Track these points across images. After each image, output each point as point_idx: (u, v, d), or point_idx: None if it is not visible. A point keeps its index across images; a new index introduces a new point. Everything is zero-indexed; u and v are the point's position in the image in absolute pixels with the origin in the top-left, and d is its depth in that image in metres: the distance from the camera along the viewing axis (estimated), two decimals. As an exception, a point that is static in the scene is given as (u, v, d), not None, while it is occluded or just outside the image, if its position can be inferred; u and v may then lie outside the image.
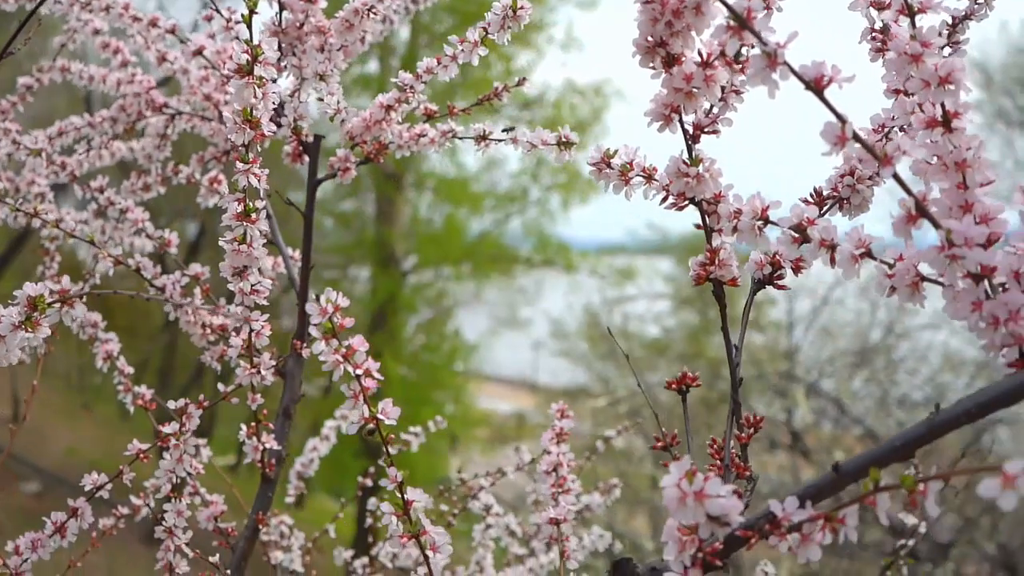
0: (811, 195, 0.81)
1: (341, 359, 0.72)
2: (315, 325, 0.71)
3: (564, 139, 0.99)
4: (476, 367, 12.17)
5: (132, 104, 1.31)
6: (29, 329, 0.76)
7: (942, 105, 0.62)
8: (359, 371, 0.72)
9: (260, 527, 1.12)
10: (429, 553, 0.75)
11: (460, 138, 1.10)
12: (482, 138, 1.07)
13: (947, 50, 0.85)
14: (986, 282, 0.61)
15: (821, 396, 6.47)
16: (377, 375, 0.73)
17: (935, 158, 0.64)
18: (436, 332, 11.86)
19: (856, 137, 0.58)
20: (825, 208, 0.80)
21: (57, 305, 0.76)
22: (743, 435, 0.72)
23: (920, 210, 0.60)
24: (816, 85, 0.58)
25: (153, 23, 1.20)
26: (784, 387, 6.32)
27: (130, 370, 1.19)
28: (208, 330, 1.16)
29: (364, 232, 11.46)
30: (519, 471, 1.55)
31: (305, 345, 1.11)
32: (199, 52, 1.13)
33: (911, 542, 1.22)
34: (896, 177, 0.59)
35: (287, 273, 1.21)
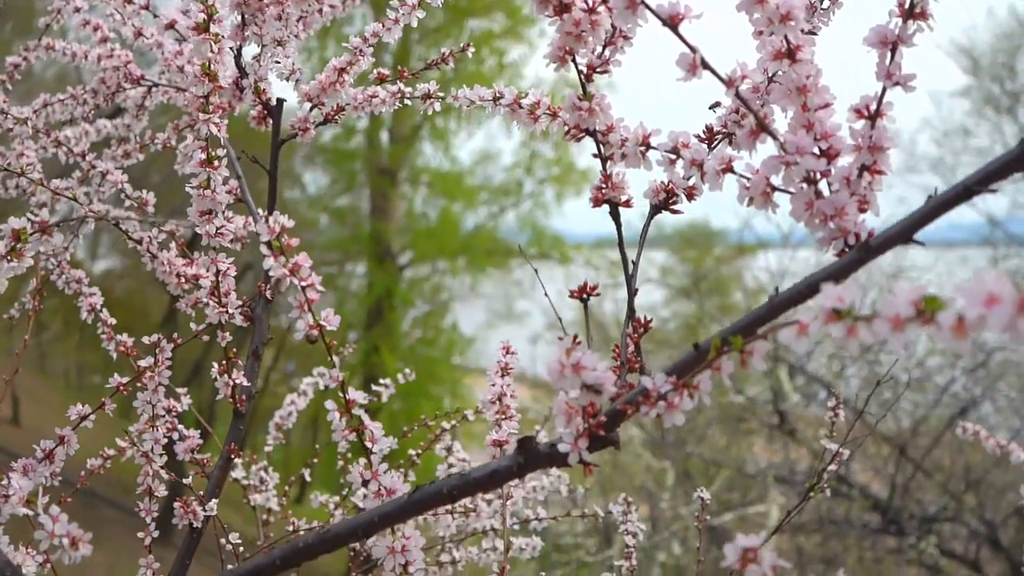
0: (703, 131, 0.91)
1: (288, 273, 0.83)
2: (264, 243, 0.82)
3: (498, 95, 1.10)
4: (473, 361, 12.24)
5: (111, 77, 1.42)
6: (14, 258, 0.87)
7: (786, 38, 0.73)
8: (304, 283, 0.83)
9: (232, 457, 1.23)
10: (368, 444, 0.86)
11: (408, 98, 1.21)
12: (427, 96, 1.18)
13: (826, 3, 0.96)
14: (826, 187, 0.72)
15: (808, 377, 6.60)
16: (319, 287, 0.83)
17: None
18: (433, 326, 11.96)
19: (704, 64, 0.69)
20: (716, 142, 0.91)
21: (37, 235, 0.87)
22: (635, 335, 0.83)
23: (761, 126, 0.70)
24: (672, 21, 0.69)
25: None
26: (769, 368, 6.45)
27: (113, 321, 1.29)
28: (182, 279, 1.26)
29: (359, 228, 11.55)
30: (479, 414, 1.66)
31: (269, 289, 1.22)
32: (171, 26, 1.23)
33: (832, 467, 1.33)
34: (738, 96, 0.69)
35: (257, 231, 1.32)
